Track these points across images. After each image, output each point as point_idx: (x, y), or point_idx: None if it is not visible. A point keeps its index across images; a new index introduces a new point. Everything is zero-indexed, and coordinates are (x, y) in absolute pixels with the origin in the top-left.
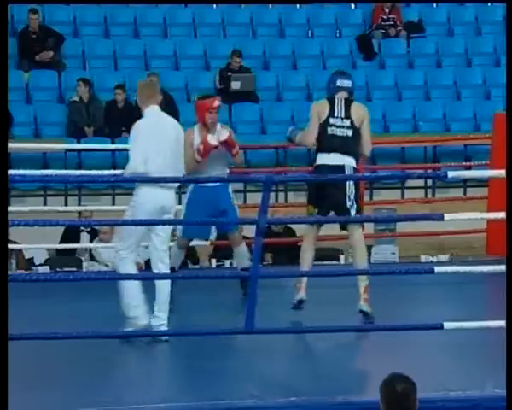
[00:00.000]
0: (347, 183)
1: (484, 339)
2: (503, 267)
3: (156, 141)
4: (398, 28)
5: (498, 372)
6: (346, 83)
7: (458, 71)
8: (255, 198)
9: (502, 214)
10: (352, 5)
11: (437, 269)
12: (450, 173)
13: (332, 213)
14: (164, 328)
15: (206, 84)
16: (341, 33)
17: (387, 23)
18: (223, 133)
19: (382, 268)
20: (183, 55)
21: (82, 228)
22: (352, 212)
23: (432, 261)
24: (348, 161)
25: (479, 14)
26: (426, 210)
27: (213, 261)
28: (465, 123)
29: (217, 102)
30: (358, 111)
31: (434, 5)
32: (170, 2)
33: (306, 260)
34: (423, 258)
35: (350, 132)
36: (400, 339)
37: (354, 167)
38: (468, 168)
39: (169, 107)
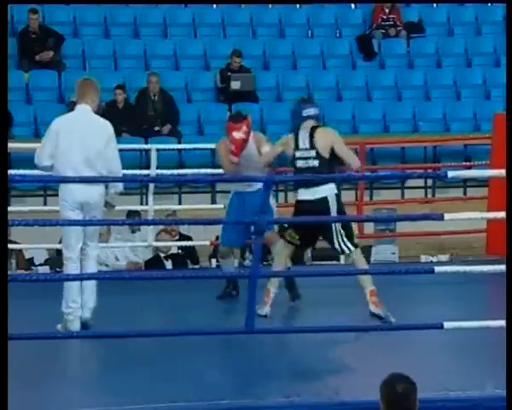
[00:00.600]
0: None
1: (484, 339)
2: (503, 267)
3: (71, 138)
4: (398, 28)
5: (498, 372)
6: (313, 111)
7: (458, 71)
8: None
9: (502, 214)
10: (352, 5)
11: (437, 269)
12: (450, 173)
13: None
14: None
15: (206, 84)
16: (341, 33)
17: (387, 23)
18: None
19: (382, 268)
20: (183, 55)
21: None
22: (342, 244)
23: (432, 261)
24: (327, 191)
25: (479, 14)
26: (426, 210)
27: (213, 261)
28: (465, 123)
29: (244, 129)
30: (325, 138)
31: (434, 5)
32: (170, 2)
33: (275, 282)
34: (423, 258)
35: (316, 162)
36: (400, 339)
37: (336, 193)
38: (468, 168)
39: (169, 106)
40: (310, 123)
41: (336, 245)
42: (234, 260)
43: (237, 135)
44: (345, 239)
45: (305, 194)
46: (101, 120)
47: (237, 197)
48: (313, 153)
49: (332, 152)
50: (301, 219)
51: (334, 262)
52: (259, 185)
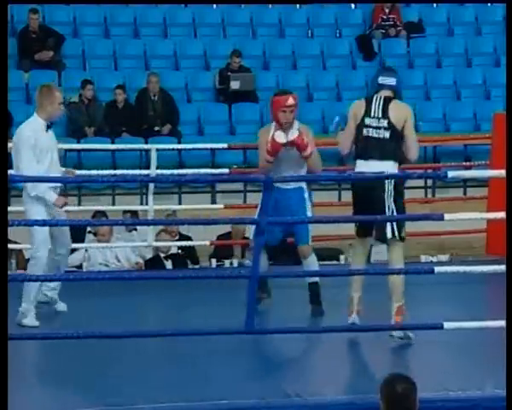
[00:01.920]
0: (386, 194)
1: (484, 339)
2: (503, 267)
3: None
4: (398, 28)
5: (498, 372)
6: (389, 80)
7: (458, 71)
8: (255, 198)
9: (502, 214)
10: (352, 5)
11: (437, 269)
12: (450, 173)
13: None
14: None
15: (206, 84)
16: (341, 33)
17: (387, 23)
18: (293, 133)
19: (382, 268)
20: (183, 55)
21: (90, 230)
22: (392, 228)
23: (432, 261)
24: (388, 168)
25: (479, 14)
26: (426, 210)
27: (213, 261)
28: (465, 123)
29: (291, 100)
30: (399, 110)
31: (434, 5)
32: (170, 2)
33: (356, 280)
34: (423, 258)
35: (387, 134)
36: (400, 339)
37: (395, 176)
38: (468, 168)
39: (169, 106)
40: (385, 93)
41: (388, 228)
42: (265, 260)
43: (279, 137)
44: (395, 225)
45: (363, 166)
46: (21, 126)
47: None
48: (385, 123)
49: (402, 128)
50: (299, 220)
51: (334, 262)
52: (298, 182)
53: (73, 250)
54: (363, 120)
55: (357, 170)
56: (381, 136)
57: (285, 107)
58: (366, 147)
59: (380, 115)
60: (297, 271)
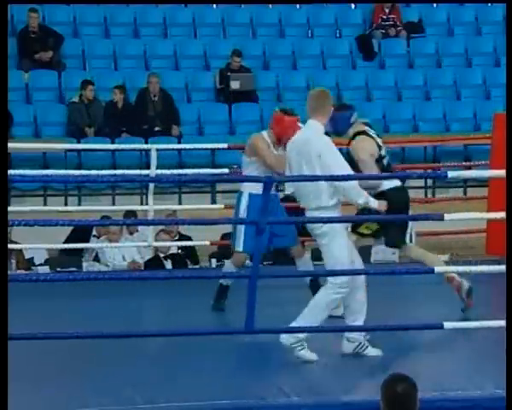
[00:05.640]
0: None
1: (484, 339)
2: (503, 267)
3: None
4: (398, 28)
5: (498, 372)
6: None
7: (458, 71)
8: None
9: (502, 214)
10: (352, 5)
11: (437, 269)
12: (450, 173)
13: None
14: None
15: (206, 84)
16: (341, 33)
17: (387, 23)
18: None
19: (382, 268)
20: (183, 55)
21: (95, 234)
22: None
23: None
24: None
25: (479, 14)
26: (426, 210)
27: (213, 261)
28: (465, 123)
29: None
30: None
31: (434, 5)
32: (170, 2)
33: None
34: None
35: (389, 158)
36: (400, 339)
37: None
38: (468, 168)
39: (169, 107)
40: (362, 125)
41: (407, 235)
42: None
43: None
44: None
45: (392, 182)
46: (310, 135)
47: (255, 196)
48: (386, 150)
49: None
50: (299, 220)
51: None
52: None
53: (81, 250)
54: (380, 153)
55: (390, 186)
56: (389, 161)
57: (295, 129)
58: (388, 171)
59: (382, 145)
60: (297, 271)
